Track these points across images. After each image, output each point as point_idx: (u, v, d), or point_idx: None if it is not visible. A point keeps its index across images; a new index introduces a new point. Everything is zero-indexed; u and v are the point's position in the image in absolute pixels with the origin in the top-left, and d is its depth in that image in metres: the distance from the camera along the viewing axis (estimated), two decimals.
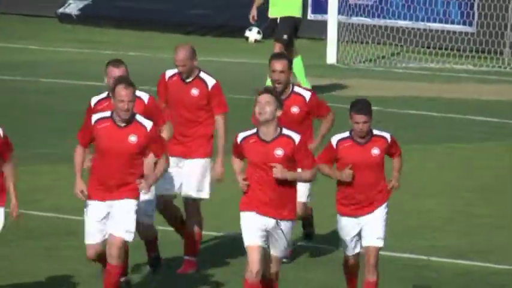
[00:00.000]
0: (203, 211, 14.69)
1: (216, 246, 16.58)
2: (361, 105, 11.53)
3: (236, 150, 10.85)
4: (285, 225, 11.07)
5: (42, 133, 26.30)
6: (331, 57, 36.09)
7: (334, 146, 11.36)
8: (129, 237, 11.58)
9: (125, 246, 11.88)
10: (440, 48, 36.72)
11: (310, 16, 39.00)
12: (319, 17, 38.77)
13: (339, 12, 36.64)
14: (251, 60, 36.80)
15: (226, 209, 17.14)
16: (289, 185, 11.11)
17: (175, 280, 13.98)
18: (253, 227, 11.01)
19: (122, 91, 11.28)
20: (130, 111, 11.46)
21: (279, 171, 10.88)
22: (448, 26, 37.52)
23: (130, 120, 11.58)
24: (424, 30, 37.08)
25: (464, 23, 37.35)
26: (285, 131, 10.88)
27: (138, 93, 12.64)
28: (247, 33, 40.43)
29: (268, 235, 11.11)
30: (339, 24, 36.89)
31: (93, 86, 26.45)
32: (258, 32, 40.62)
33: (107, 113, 11.68)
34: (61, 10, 42.71)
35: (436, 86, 34.13)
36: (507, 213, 18.94)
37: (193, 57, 14.02)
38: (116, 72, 12.19)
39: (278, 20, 30.85)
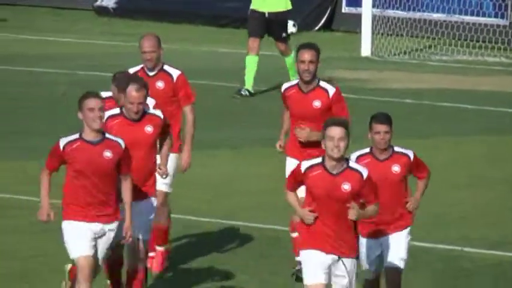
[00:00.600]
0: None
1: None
2: (382, 116, 11.35)
3: (297, 179, 10.37)
4: (347, 262, 10.52)
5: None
6: (365, 50, 36.16)
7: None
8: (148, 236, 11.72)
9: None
10: (473, 41, 36.21)
11: (345, 9, 39.40)
12: (353, 10, 39.02)
13: (373, 5, 36.65)
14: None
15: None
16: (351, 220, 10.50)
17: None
18: (318, 265, 10.37)
19: (133, 92, 11.35)
20: (140, 113, 11.54)
21: (355, 212, 10.46)
22: (482, 19, 36.61)
23: (142, 115, 11.73)
24: (458, 22, 36.86)
25: (497, 16, 37.52)
26: (352, 164, 10.40)
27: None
28: None
29: (329, 273, 10.53)
30: (373, 17, 36.93)
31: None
32: (294, 25, 38.65)
33: (116, 110, 11.81)
34: (97, 3, 43.00)
35: (470, 78, 34.03)
36: None
37: (160, 46, 13.96)
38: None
39: (267, 15, 30.56)
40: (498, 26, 36.92)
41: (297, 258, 12.94)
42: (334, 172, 10.06)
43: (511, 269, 15.32)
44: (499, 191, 20.39)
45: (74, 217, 10.67)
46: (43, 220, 10.74)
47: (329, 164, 10.05)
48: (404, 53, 36.30)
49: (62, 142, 10.33)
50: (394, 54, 36.15)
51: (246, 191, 20.35)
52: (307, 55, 14.46)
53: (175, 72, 14.02)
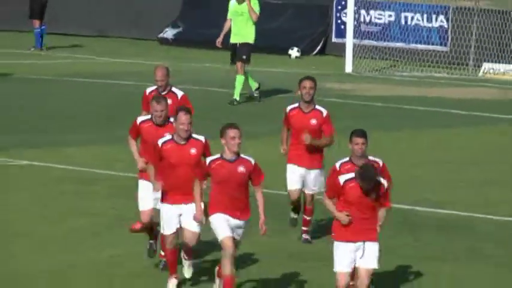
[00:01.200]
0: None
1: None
2: (360, 131, 10.92)
3: (336, 190, 10.03)
4: (372, 246, 10.11)
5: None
6: (348, 69, 34.40)
7: (338, 168, 10.66)
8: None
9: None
10: (424, 61, 34.37)
11: (334, 40, 36.29)
12: (340, 40, 36.34)
13: (354, 37, 34.45)
14: (292, 70, 34.79)
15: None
16: (375, 212, 10.14)
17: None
18: (347, 255, 9.98)
19: (183, 117, 10.96)
20: (189, 131, 11.20)
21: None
22: (430, 46, 35.05)
23: (188, 138, 11.29)
24: (413, 49, 35.30)
25: (441, 44, 35.78)
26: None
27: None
28: (290, 51, 38.45)
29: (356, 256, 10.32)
30: (354, 45, 34.40)
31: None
32: (297, 51, 37.31)
33: (168, 136, 11.44)
34: (161, 35, 44.09)
35: (423, 88, 31.94)
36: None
37: (168, 75, 13.90)
38: (158, 107, 11.82)
39: (238, 45, 30.46)
40: (442, 51, 35.15)
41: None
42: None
43: (448, 223, 15.79)
44: (445, 169, 20.59)
45: (218, 211, 10.54)
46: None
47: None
48: (376, 70, 33.48)
49: (208, 160, 10.44)
50: (369, 71, 33.76)
51: None
52: (308, 83, 14.59)
53: (179, 93, 13.87)
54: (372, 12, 38.03)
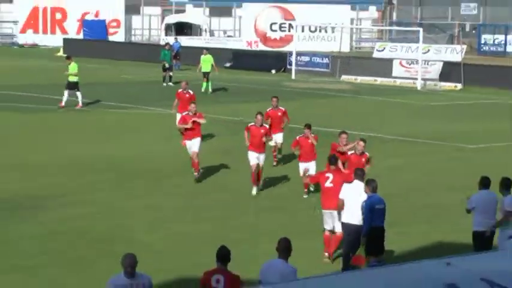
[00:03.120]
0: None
1: None
2: (343, 131, 18.76)
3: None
4: None
5: None
6: (293, 77, 54.97)
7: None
8: None
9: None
10: (320, 75, 55.73)
11: (288, 66, 58.32)
12: (290, 66, 58.26)
13: (295, 65, 55.81)
14: (272, 78, 53.68)
15: None
16: None
17: None
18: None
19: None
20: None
21: None
22: (322, 69, 57.49)
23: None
24: (312, 69, 57.43)
25: (327, 68, 59.18)
26: None
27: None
28: (272, 71, 57.88)
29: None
30: (295, 69, 55.42)
31: None
32: (274, 71, 58.52)
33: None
34: (225, 65, 56.22)
35: (317, 84, 51.98)
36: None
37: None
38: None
39: (207, 71, 44.51)
40: (326, 71, 57.33)
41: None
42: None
43: None
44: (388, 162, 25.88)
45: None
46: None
47: None
48: (303, 79, 54.57)
49: None
50: (301, 80, 54.61)
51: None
52: (275, 99, 24.51)
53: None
54: (300, 57, 56.81)
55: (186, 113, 21.98)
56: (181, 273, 15.34)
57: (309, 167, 20.07)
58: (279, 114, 23.23)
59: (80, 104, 35.69)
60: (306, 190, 19.99)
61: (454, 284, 7.59)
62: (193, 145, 21.33)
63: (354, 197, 14.86)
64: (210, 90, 41.95)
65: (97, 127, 32.44)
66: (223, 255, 11.08)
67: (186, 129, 21.73)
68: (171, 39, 58.26)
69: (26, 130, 31.00)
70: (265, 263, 11.38)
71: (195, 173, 21.27)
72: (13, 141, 28.66)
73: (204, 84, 41.67)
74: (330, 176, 15.86)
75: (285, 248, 11.34)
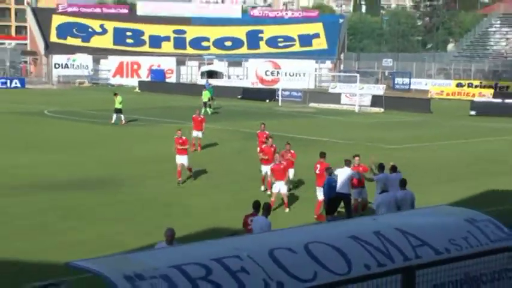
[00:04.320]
0: None
1: None
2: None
3: None
4: None
5: None
6: (279, 105, 54.58)
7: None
8: None
9: None
10: (296, 103, 55.21)
11: (276, 97, 59.39)
12: (277, 97, 59.17)
13: (281, 97, 58.26)
14: (266, 105, 53.18)
15: None
16: None
17: None
18: None
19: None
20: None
21: None
22: (296, 100, 58.32)
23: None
24: (291, 100, 58.52)
25: (299, 98, 58.96)
26: None
27: None
28: (267, 100, 59.31)
29: None
30: (282, 100, 56.78)
31: None
32: (268, 100, 59.07)
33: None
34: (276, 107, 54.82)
35: (299, 109, 49.88)
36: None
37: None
38: None
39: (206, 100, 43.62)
40: (299, 100, 58.38)
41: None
42: None
43: None
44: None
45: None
46: None
47: None
48: (288, 107, 52.78)
49: None
50: (285, 107, 52.33)
51: None
52: (263, 127, 19.89)
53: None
54: (284, 91, 59.18)
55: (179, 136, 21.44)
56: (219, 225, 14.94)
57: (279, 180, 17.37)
58: (264, 135, 21.77)
59: (123, 121, 37.67)
60: (269, 187, 18.58)
61: (378, 231, 7.64)
62: (182, 159, 21.02)
63: (342, 177, 15.10)
64: (209, 113, 43.28)
65: (148, 135, 32.96)
66: (257, 205, 11.34)
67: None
68: (207, 80, 64.07)
69: (105, 137, 31.19)
70: (256, 218, 11.21)
71: (179, 179, 20.59)
72: (94, 144, 29.14)
73: (203, 109, 42.04)
74: (318, 166, 16.43)
75: (266, 209, 11.48)
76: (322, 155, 16.39)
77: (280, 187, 16.04)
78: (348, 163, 15.33)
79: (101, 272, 5.91)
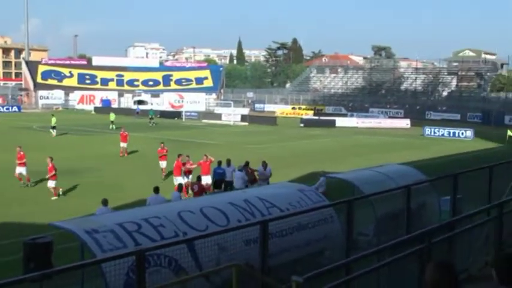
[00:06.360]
0: None
1: None
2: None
3: None
4: None
5: None
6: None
7: None
8: None
9: None
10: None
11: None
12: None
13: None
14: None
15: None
16: None
17: None
18: None
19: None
20: None
21: None
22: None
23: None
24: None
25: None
26: None
27: None
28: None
29: None
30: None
31: None
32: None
33: None
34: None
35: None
36: None
37: None
38: None
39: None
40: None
41: None
42: None
43: None
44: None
45: None
46: None
47: None
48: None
49: None
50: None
51: None
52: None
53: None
54: (188, 113, 54.28)
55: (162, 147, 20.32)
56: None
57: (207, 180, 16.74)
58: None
59: (54, 134, 34.34)
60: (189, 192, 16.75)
61: (246, 199, 7.39)
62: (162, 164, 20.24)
63: (229, 170, 14.80)
64: (153, 125, 41.43)
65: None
66: (156, 189, 10.36)
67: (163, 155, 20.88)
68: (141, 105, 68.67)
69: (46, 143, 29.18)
70: (150, 196, 10.43)
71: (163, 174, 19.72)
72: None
73: (111, 126, 40.36)
74: (202, 161, 16.06)
75: (157, 189, 11.40)
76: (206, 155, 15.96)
77: (179, 180, 16.08)
78: (240, 167, 15.01)
79: (69, 228, 6.16)
